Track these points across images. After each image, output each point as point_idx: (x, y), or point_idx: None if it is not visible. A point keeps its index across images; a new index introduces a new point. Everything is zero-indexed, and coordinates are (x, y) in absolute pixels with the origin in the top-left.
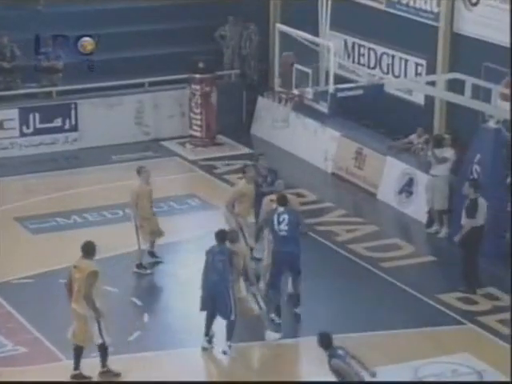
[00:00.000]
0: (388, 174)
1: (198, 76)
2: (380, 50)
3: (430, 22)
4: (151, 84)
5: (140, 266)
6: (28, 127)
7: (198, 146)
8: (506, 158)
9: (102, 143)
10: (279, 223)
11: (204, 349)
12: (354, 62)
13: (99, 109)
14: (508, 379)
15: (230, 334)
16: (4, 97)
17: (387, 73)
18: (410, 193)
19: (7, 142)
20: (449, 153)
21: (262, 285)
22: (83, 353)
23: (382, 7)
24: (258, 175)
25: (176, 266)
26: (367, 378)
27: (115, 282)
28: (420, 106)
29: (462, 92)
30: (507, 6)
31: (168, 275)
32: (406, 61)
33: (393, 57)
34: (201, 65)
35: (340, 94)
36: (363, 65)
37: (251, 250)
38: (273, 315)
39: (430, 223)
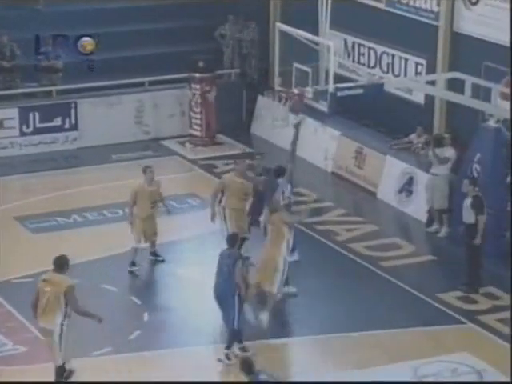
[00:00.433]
0: (388, 173)
1: (197, 75)
2: (380, 49)
3: (430, 22)
4: (151, 83)
5: (131, 263)
6: (28, 126)
7: (197, 145)
8: (505, 157)
9: (101, 142)
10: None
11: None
12: (353, 61)
13: (99, 108)
14: (508, 379)
15: (230, 343)
16: (4, 96)
17: (387, 72)
18: (410, 192)
19: (7, 141)
20: (450, 152)
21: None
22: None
23: (382, 6)
24: (254, 173)
25: (176, 265)
26: None
27: (115, 281)
28: (420, 106)
29: (461, 91)
30: (507, 5)
31: (168, 274)
32: (406, 60)
33: (393, 56)
34: (201, 64)
35: (340, 94)
36: (363, 64)
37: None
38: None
39: (429, 222)
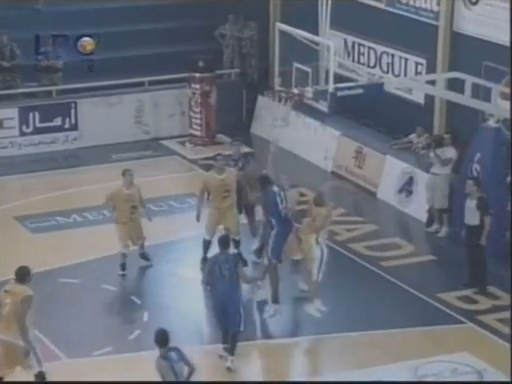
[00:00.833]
0: (388, 173)
1: (197, 75)
2: (380, 49)
3: (429, 21)
4: (151, 83)
5: (121, 267)
6: (28, 126)
7: (197, 144)
8: (506, 157)
9: (101, 142)
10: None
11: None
12: (353, 61)
13: (99, 108)
14: (508, 379)
15: (234, 348)
16: (4, 96)
17: (387, 72)
18: (410, 192)
19: (7, 141)
20: (451, 152)
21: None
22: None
23: (382, 6)
24: (230, 159)
25: (176, 265)
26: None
27: (115, 281)
28: (420, 105)
29: (461, 91)
30: (507, 5)
31: (168, 274)
32: (406, 60)
33: (393, 56)
34: (201, 64)
35: (340, 93)
36: (363, 64)
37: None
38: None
39: (429, 222)
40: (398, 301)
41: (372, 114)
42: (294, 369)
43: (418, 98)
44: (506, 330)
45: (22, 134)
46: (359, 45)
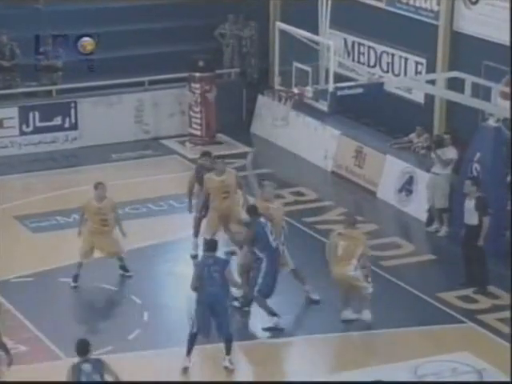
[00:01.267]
0: (388, 172)
1: (197, 74)
2: (380, 48)
3: (429, 21)
4: (151, 83)
5: (74, 277)
6: (28, 126)
7: (197, 144)
8: (505, 156)
9: (101, 142)
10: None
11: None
12: (353, 60)
13: (99, 107)
14: (508, 378)
15: (230, 348)
16: (4, 95)
17: (387, 71)
18: (410, 191)
19: (7, 140)
20: (452, 152)
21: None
22: None
23: (382, 6)
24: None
25: (176, 265)
26: None
27: (114, 281)
28: (420, 105)
29: (461, 90)
30: (507, 5)
31: (167, 274)
32: (406, 59)
33: (393, 55)
34: (200, 63)
35: (340, 93)
36: (363, 63)
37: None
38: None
39: (429, 222)
40: (398, 300)
41: (372, 113)
42: (293, 369)
43: (418, 97)
44: (506, 329)
45: (22, 133)
46: (359, 44)
